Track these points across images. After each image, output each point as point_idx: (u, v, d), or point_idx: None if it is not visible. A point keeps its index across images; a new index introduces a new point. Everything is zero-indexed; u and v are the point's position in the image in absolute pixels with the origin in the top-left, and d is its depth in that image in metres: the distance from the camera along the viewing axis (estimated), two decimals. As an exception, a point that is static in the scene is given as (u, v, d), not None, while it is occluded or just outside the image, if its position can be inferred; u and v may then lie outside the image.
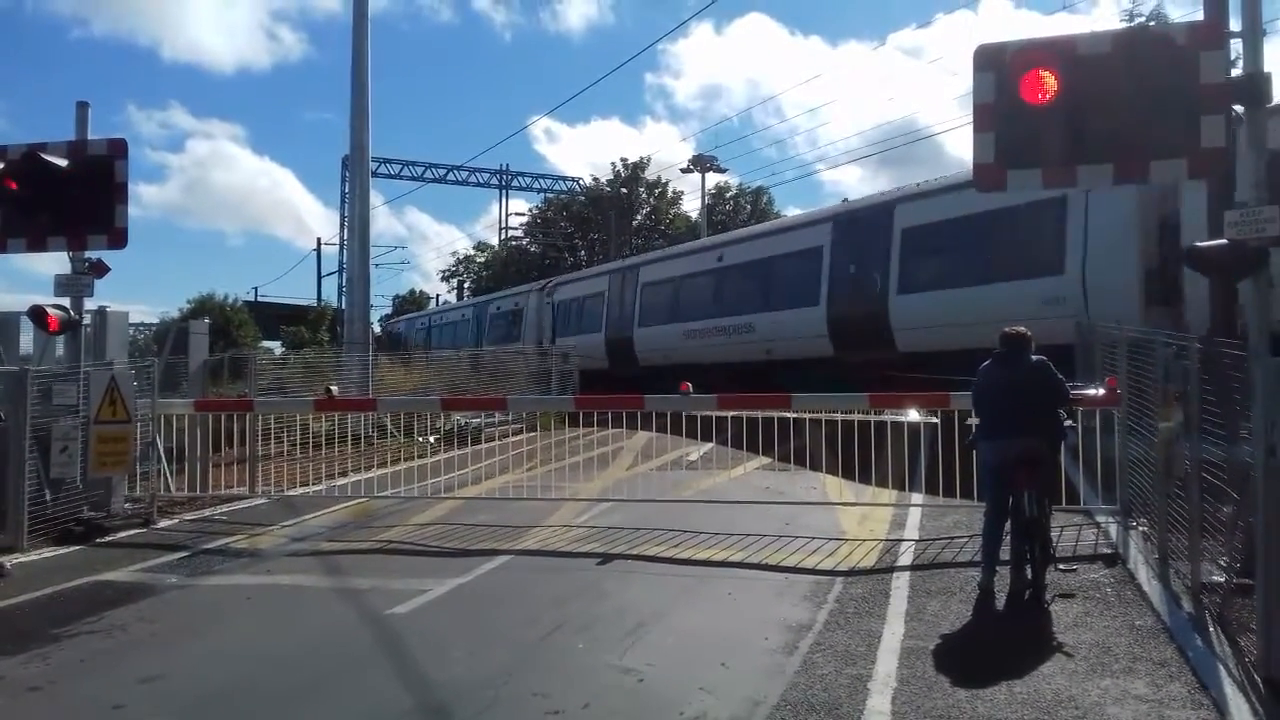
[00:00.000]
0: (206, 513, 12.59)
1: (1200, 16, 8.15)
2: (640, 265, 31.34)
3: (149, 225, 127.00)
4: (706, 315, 25.94)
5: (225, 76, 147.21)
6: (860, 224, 21.48)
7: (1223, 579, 6.66)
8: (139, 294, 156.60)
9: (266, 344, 43.28)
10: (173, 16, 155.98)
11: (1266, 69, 7.21)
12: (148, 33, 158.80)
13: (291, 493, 13.65)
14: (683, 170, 53.19)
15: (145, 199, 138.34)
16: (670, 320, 27.61)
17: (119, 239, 11.70)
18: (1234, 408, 6.40)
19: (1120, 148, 7.61)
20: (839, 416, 12.35)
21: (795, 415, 13.90)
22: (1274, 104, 7.32)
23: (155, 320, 32.86)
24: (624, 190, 64.03)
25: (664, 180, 64.79)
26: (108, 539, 11.00)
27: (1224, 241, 7.15)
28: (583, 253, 66.25)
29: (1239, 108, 7.36)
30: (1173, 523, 7.69)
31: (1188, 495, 7.14)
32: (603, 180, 65.05)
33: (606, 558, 9.56)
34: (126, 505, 12.20)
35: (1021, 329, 8.24)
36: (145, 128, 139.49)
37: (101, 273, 12.11)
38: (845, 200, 25.45)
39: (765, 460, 14.46)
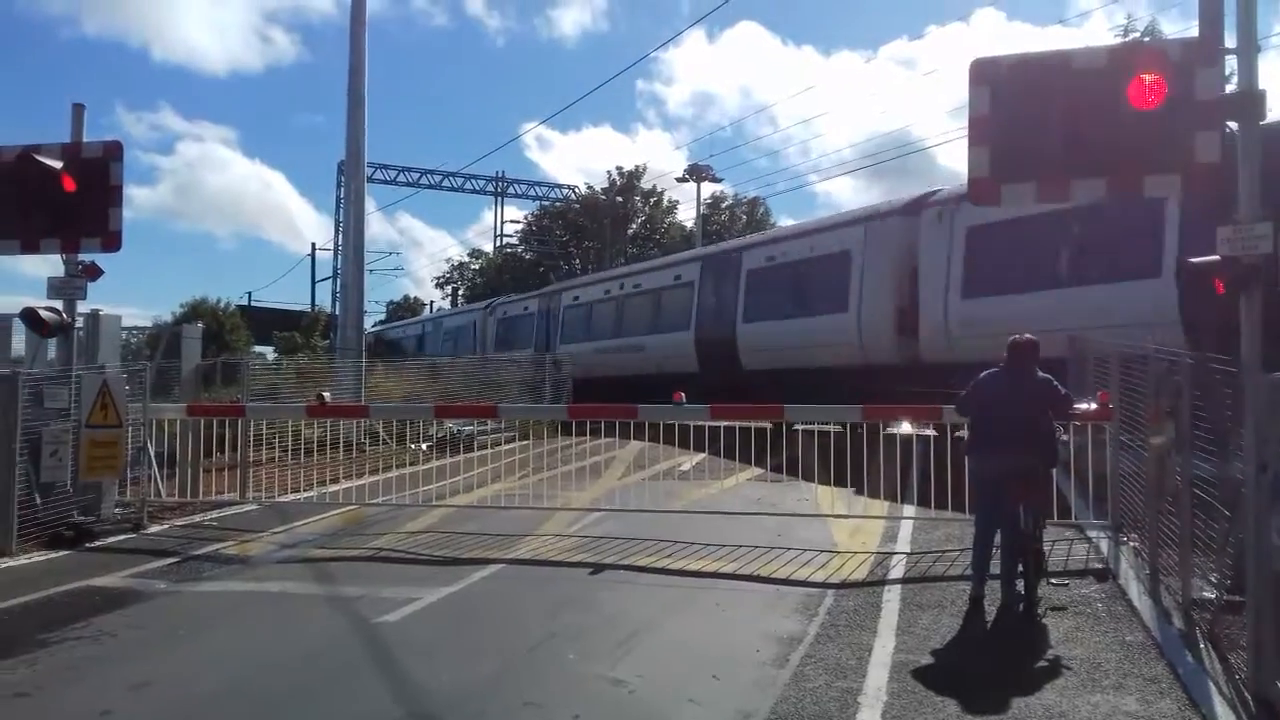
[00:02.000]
0: (197, 518, 12.54)
1: (1195, 32, 8.16)
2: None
3: (140, 227, 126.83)
4: None
5: (216, 78, 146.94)
6: None
7: (1213, 596, 6.66)
8: (131, 297, 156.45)
9: (259, 349, 43.24)
10: (164, 16, 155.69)
11: (1261, 85, 7.25)
12: (138, 33, 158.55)
13: (282, 499, 13.62)
14: (678, 179, 53.30)
15: (136, 201, 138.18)
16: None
17: (113, 242, 11.66)
18: (1226, 424, 6.41)
19: (1114, 162, 7.64)
20: (831, 428, 12.34)
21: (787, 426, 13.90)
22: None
23: (148, 324, 32.87)
24: (619, 199, 64.12)
25: (659, 189, 64.98)
26: (97, 544, 10.96)
27: (1217, 258, 7.17)
28: (577, 261, 66.30)
29: (1233, 124, 7.39)
30: (1164, 538, 7.70)
31: (1179, 511, 7.15)
32: (598, 188, 65.23)
33: (598, 568, 9.54)
34: (117, 510, 12.15)
35: (1030, 337, 8.18)
36: (135, 129, 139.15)
37: (95, 275, 12.06)
38: None
39: (758, 471, 14.46)
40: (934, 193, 20.40)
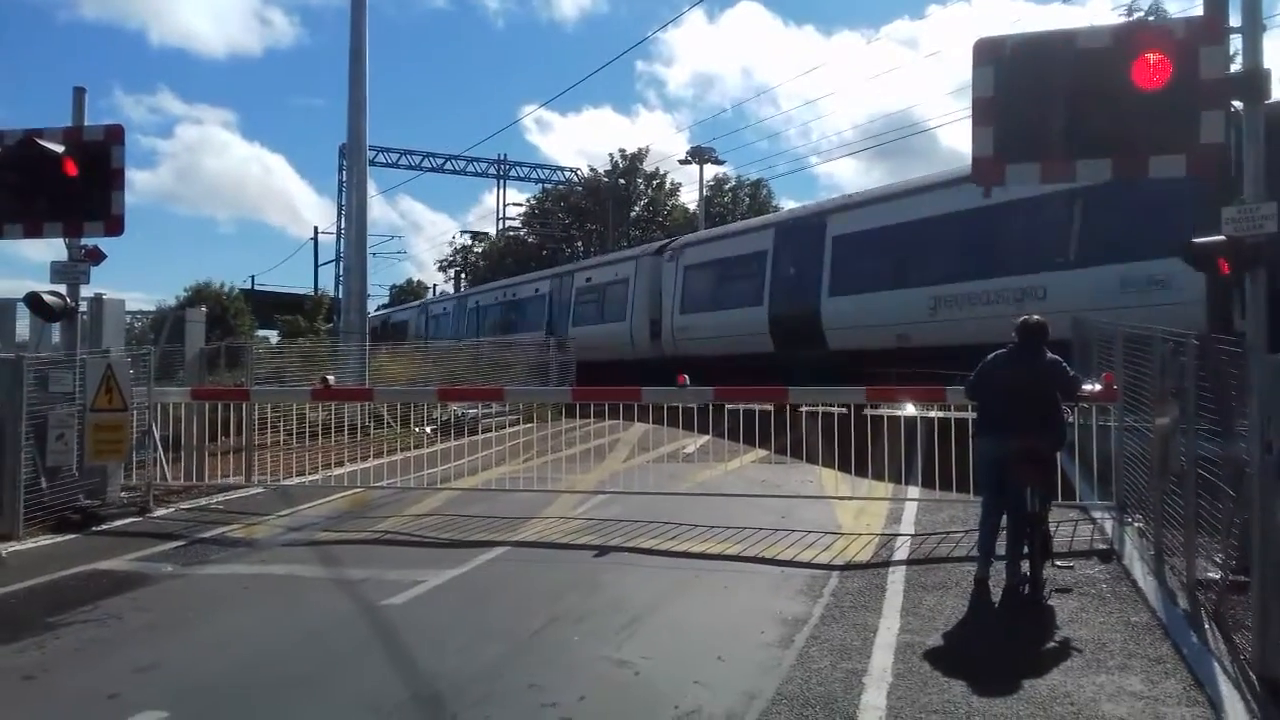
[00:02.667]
0: (202, 502, 12.58)
1: (1199, 11, 8.13)
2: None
3: (141, 211, 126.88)
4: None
5: (215, 61, 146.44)
6: None
7: (1218, 576, 6.67)
8: (134, 281, 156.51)
9: (263, 333, 43.28)
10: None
11: (1266, 65, 7.21)
12: (136, 16, 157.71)
13: (287, 482, 13.65)
14: (681, 162, 53.16)
15: (137, 185, 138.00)
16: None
17: (116, 226, 11.66)
18: (1230, 404, 6.40)
19: (1119, 142, 7.61)
20: (835, 409, 12.33)
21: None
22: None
23: (152, 308, 32.92)
24: (622, 181, 63.98)
25: (662, 171, 64.82)
26: (103, 527, 10.99)
27: (1221, 238, 7.15)
28: (579, 244, 66.24)
29: (1238, 104, 7.36)
30: (1168, 519, 7.70)
31: (1184, 492, 7.15)
32: (601, 171, 65.09)
33: (603, 550, 9.56)
34: (122, 494, 12.19)
35: (1040, 319, 8.14)
36: (134, 112, 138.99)
37: (98, 260, 12.07)
38: None
39: (762, 453, 14.46)
40: (672, 240, 30.86)
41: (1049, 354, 8.05)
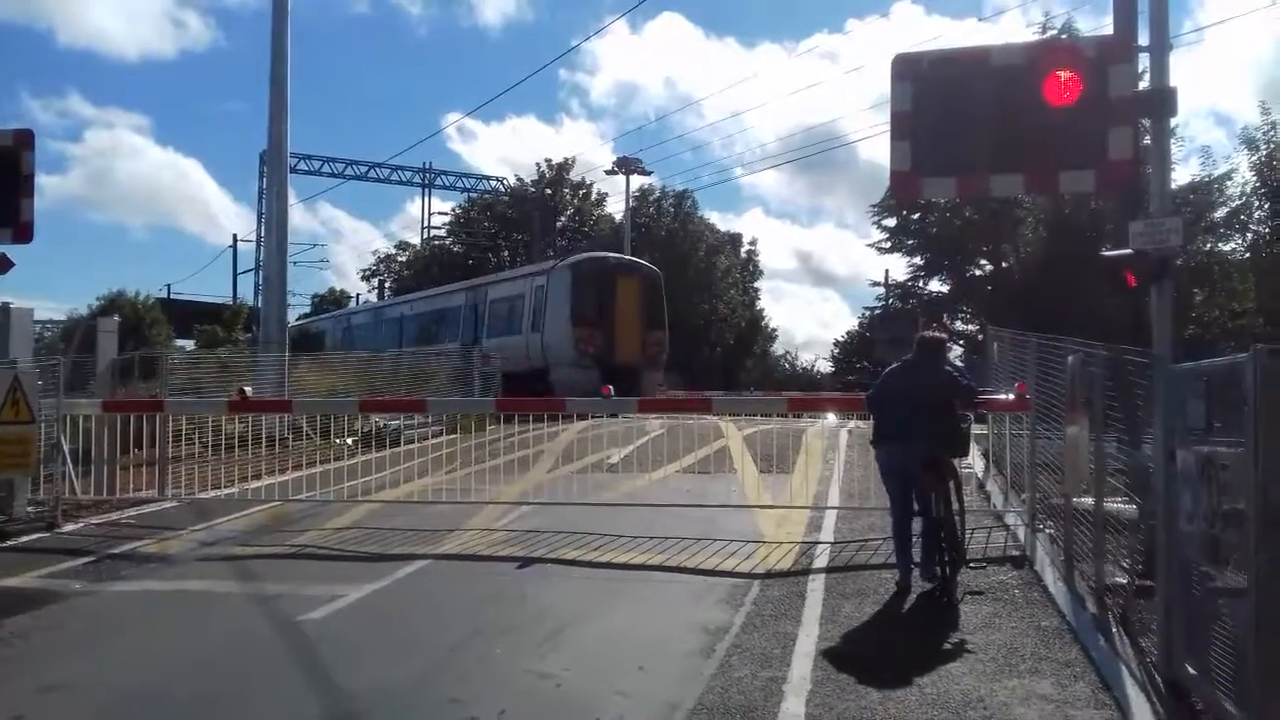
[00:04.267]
0: (114, 516, 12.24)
1: (1110, 30, 8.37)
2: None
3: (50, 217, 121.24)
4: None
5: (127, 64, 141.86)
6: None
7: (1125, 581, 6.84)
8: (44, 290, 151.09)
9: (180, 343, 42.31)
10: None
11: (1172, 83, 7.45)
12: (43, 16, 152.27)
13: (203, 496, 13.36)
14: (607, 172, 53.24)
15: (47, 190, 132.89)
16: None
17: (25, 233, 11.38)
18: (1137, 413, 6.59)
19: (1031, 158, 7.80)
20: (758, 419, 12.43)
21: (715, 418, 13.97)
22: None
23: (63, 317, 31.94)
24: (549, 191, 63.83)
25: (589, 182, 64.81)
26: (9, 544, 10.65)
27: (1129, 251, 7.36)
28: (506, 253, 65.90)
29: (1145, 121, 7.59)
30: (1078, 525, 7.88)
31: (1093, 498, 7.32)
32: (528, 180, 64.84)
33: (526, 561, 9.51)
34: (29, 509, 11.82)
35: (939, 335, 8.39)
36: (42, 116, 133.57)
37: (5, 267, 11.76)
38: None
39: (686, 463, 14.51)
40: (360, 307, 50.42)
41: (946, 365, 8.31)
